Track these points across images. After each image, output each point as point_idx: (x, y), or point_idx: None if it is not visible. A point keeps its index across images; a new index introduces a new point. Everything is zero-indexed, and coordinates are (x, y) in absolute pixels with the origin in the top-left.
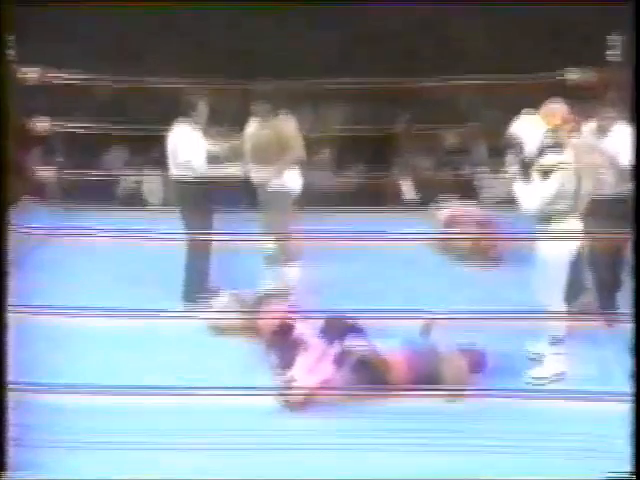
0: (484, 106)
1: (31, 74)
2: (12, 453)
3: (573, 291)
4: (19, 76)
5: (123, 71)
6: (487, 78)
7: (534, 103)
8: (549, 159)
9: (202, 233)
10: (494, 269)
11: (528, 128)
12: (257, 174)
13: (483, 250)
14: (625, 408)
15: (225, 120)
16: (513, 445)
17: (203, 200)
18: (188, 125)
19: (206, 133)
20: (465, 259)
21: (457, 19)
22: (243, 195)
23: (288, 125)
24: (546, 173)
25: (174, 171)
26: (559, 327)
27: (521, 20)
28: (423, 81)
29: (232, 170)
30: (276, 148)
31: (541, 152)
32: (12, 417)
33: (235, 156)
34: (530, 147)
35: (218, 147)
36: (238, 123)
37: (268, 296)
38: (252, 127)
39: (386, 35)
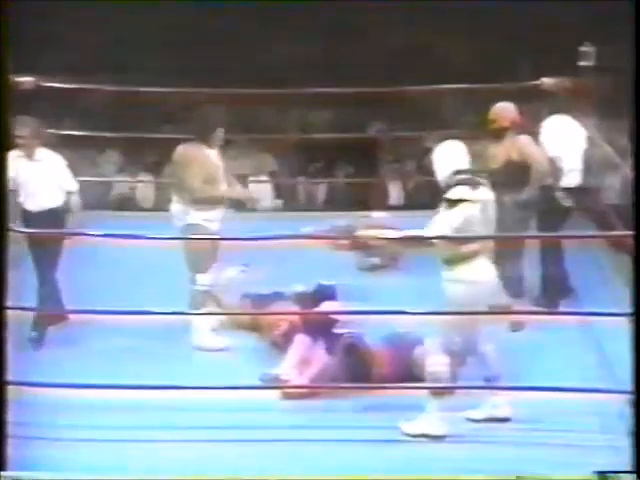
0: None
1: (25, 81)
2: (11, 451)
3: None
4: (13, 83)
5: (116, 78)
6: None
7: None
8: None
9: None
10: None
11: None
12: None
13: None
14: (624, 404)
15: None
16: (508, 439)
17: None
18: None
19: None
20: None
21: (439, 25)
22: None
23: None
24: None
25: (28, 203)
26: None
27: (500, 27)
28: (404, 87)
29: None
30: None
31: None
32: (11, 414)
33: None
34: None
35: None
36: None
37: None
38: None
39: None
